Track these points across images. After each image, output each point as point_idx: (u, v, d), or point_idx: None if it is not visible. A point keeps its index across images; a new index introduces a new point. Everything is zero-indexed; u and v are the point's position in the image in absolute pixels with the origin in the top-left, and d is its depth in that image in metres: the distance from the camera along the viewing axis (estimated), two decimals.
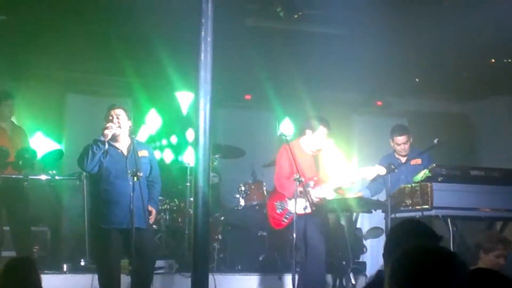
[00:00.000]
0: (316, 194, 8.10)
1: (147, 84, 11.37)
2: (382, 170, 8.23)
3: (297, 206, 7.98)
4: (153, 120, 11.69)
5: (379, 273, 3.91)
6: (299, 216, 7.97)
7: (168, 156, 11.79)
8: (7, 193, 8.85)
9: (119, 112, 7.39)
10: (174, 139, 11.99)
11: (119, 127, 7.28)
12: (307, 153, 8.35)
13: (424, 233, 3.82)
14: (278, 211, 8.32)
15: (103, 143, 7.20)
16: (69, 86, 11.60)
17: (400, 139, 9.23)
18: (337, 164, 8.66)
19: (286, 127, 11.74)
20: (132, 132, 7.57)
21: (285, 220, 8.25)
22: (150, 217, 7.45)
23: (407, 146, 9.20)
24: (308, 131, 8.30)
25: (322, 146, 8.37)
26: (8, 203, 8.97)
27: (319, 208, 8.19)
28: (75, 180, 9.25)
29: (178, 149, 11.93)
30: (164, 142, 11.92)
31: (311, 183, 8.21)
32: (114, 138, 7.33)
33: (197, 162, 5.89)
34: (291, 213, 8.12)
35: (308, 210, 8.04)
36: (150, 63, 10.69)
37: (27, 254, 8.32)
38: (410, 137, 9.25)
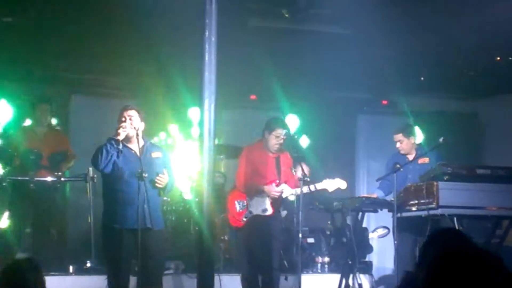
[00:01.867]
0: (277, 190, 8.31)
1: (152, 85, 11.35)
2: (343, 184, 8.35)
3: (258, 208, 8.27)
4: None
5: (408, 274, 3.91)
6: (260, 217, 8.26)
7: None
8: (24, 194, 8.92)
9: (132, 113, 7.38)
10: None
11: (133, 128, 7.28)
12: (269, 155, 8.44)
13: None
14: (238, 210, 8.39)
15: (117, 142, 7.20)
16: (74, 87, 11.61)
17: (394, 137, 9.20)
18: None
19: (291, 126, 11.71)
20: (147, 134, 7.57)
21: (244, 219, 8.33)
22: (162, 177, 7.36)
23: (402, 145, 9.12)
24: (265, 132, 8.41)
25: (280, 147, 8.43)
26: (35, 206, 9.03)
27: (278, 211, 8.44)
28: (81, 182, 9.26)
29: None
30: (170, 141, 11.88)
31: (273, 186, 8.36)
32: (127, 139, 7.33)
33: (202, 162, 5.90)
34: (250, 212, 8.31)
35: (268, 213, 8.28)
36: (155, 64, 10.68)
37: (45, 256, 8.41)
38: (408, 137, 9.12)
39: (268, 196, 8.31)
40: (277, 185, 8.36)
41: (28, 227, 9.30)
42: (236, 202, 8.41)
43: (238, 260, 8.60)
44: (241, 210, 8.36)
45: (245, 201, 8.38)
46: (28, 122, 9.68)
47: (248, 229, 8.29)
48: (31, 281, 4.55)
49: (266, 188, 8.30)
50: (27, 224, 9.26)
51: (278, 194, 8.31)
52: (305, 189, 8.20)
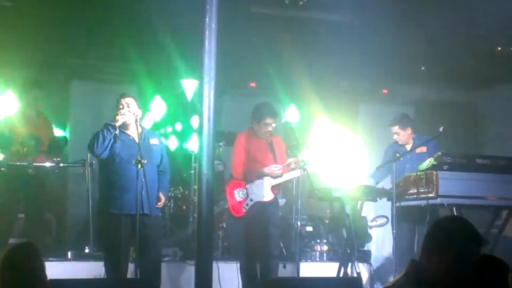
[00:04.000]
0: (275, 182, 8.33)
1: (152, 71, 11.33)
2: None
3: (259, 194, 8.29)
4: (157, 107, 11.66)
5: (413, 262, 3.91)
6: (261, 204, 8.28)
7: (172, 143, 11.77)
8: (21, 180, 8.87)
9: (129, 100, 7.41)
10: (178, 126, 11.97)
11: (131, 115, 7.29)
12: (261, 141, 8.46)
13: (471, 235, 3.82)
14: (238, 199, 8.39)
15: (114, 127, 7.21)
16: (74, 73, 11.59)
17: (391, 129, 9.20)
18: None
19: (291, 114, 11.68)
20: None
21: (245, 207, 8.33)
22: (159, 203, 7.46)
23: (399, 136, 9.13)
24: (253, 122, 8.45)
25: (271, 133, 8.47)
26: (24, 190, 8.98)
27: (277, 198, 8.48)
28: (79, 167, 9.24)
29: (182, 136, 11.91)
30: (169, 129, 11.89)
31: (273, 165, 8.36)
32: (125, 126, 7.35)
33: (201, 149, 5.88)
34: (251, 200, 8.32)
35: (269, 198, 8.32)
36: (155, 49, 10.66)
37: (38, 241, 8.34)
38: (404, 129, 9.11)
39: (268, 181, 8.31)
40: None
41: (21, 212, 9.23)
42: (235, 192, 8.41)
43: (237, 248, 8.59)
44: (241, 199, 8.35)
45: (244, 190, 8.38)
46: (17, 106, 9.55)
47: (249, 216, 8.29)
48: (31, 266, 4.54)
49: (266, 169, 8.30)
50: (19, 210, 9.19)
51: (280, 171, 8.30)
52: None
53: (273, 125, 8.39)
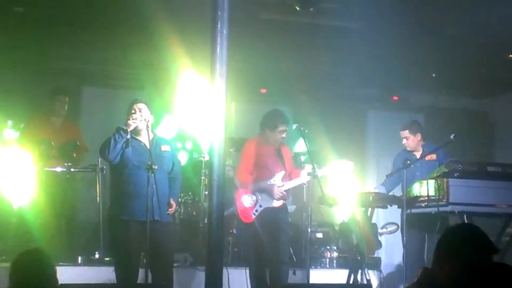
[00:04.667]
0: (284, 188, 8.33)
1: (162, 77, 11.35)
2: (350, 166, 8.35)
3: (268, 200, 8.31)
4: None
5: (425, 270, 3.90)
6: (270, 209, 8.30)
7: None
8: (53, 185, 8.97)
9: (142, 106, 7.39)
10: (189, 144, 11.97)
11: (143, 121, 7.28)
12: (270, 147, 8.49)
13: (483, 244, 3.81)
14: (247, 205, 8.38)
15: (126, 132, 7.20)
16: (85, 78, 11.63)
17: (401, 133, 9.18)
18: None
19: (301, 120, 11.68)
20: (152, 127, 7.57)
21: (255, 213, 8.33)
22: (170, 209, 7.45)
23: (408, 141, 9.10)
24: (266, 129, 8.46)
25: (281, 140, 8.53)
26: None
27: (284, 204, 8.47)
28: (90, 173, 9.27)
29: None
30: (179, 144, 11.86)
31: (279, 176, 8.39)
32: (137, 131, 7.33)
33: (212, 155, 5.88)
34: (260, 206, 8.32)
35: (278, 204, 8.32)
36: (166, 56, 10.67)
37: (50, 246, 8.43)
38: (414, 134, 9.09)
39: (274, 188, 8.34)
40: (284, 176, 8.39)
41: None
42: (244, 198, 8.41)
43: (247, 254, 8.57)
44: (251, 205, 8.36)
45: (253, 196, 8.38)
46: (41, 112, 9.69)
47: (259, 222, 8.28)
48: (42, 271, 4.56)
49: (268, 188, 8.33)
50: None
51: (281, 196, 8.34)
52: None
53: (286, 132, 8.41)
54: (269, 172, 8.40)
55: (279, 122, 8.38)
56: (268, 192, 8.34)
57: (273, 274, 8.29)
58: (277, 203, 8.37)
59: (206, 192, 8.81)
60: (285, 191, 8.38)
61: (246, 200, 8.39)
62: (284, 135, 8.44)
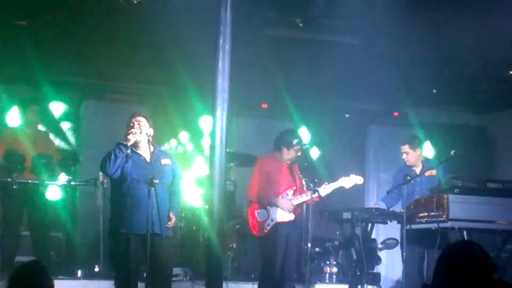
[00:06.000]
0: (296, 202, 8.38)
1: (163, 92, 11.39)
2: (359, 180, 8.55)
3: (280, 214, 8.35)
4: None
5: (426, 287, 3.93)
6: (282, 224, 8.33)
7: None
8: (26, 197, 8.90)
9: (141, 119, 7.40)
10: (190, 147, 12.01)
11: (142, 134, 7.29)
12: (282, 164, 8.56)
13: (483, 261, 3.83)
14: (260, 219, 8.40)
15: (126, 147, 7.21)
16: (86, 93, 11.64)
17: (401, 148, 9.20)
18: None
19: (303, 136, 11.72)
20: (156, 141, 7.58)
21: (267, 227, 8.35)
22: (170, 223, 7.45)
23: (408, 157, 9.12)
24: (284, 148, 8.52)
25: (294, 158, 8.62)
26: (27, 207, 9.03)
27: (297, 217, 8.49)
28: (90, 186, 9.27)
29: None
30: (180, 149, 11.91)
31: (290, 192, 8.43)
32: (136, 145, 7.33)
33: (213, 169, 5.90)
34: (272, 220, 8.35)
35: (291, 218, 8.37)
36: (168, 70, 10.72)
37: (44, 259, 8.34)
38: (414, 149, 9.12)
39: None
40: (295, 192, 8.45)
41: (27, 229, 9.29)
42: (256, 212, 8.43)
43: (263, 269, 8.54)
44: (263, 219, 8.38)
45: (265, 210, 8.40)
46: (16, 123, 9.59)
47: (272, 237, 8.32)
48: (40, 284, 4.56)
49: (279, 202, 8.38)
50: (23, 227, 9.25)
51: (292, 209, 8.38)
52: (324, 192, 8.32)
53: (299, 151, 8.53)
54: (281, 187, 8.46)
55: (296, 141, 8.47)
56: (280, 206, 8.37)
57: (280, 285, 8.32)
58: (288, 217, 8.39)
59: (206, 206, 8.82)
60: (296, 205, 8.43)
61: (258, 214, 8.42)
62: (299, 154, 8.52)
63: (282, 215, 8.37)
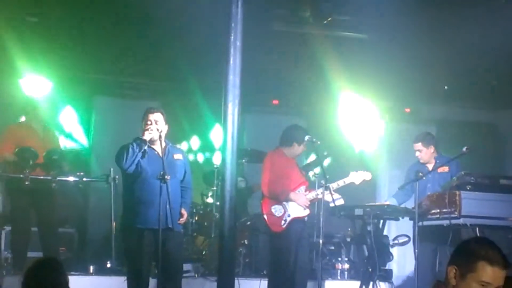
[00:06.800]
0: (309, 197, 8.43)
1: (174, 87, 11.39)
2: (368, 176, 8.69)
3: (296, 210, 8.41)
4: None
5: (438, 284, 3.91)
6: (297, 219, 8.38)
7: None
8: (36, 194, 8.93)
9: (157, 116, 7.41)
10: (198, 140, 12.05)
11: (158, 131, 7.30)
12: (291, 160, 8.64)
13: (495, 258, 3.81)
14: (276, 215, 8.43)
15: (145, 142, 7.23)
16: (97, 88, 11.65)
17: (414, 146, 9.19)
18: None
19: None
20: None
21: (284, 222, 8.39)
22: (181, 219, 7.46)
23: (422, 154, 9.11)
24: (295, 144, 8.57)
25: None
26: (36, 204, 9.05)
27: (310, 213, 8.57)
28: (102, 182, 9.28)
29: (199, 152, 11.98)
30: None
31: (303, 188, 8.52)
32: (151, 141, 7.36)
33: (225, 166, 5.88)
34: (289, 215, 8.40)
35: (306, 213, 8.43)
36: (178, 66, 10.71)
37: (53, 255, 8.35)
38: (428, 147, 9.10)
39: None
40: (307, 188, 8.51)
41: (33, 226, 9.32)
42: (272, 208, 8.46)
43: (276, 263, 8.55)
44: (280, 215, 8.41)
45: (280, 206, 8.43)
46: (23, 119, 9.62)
47: (288, 232, 8.38)
48: (55, 280, 4.57)
49: (295, 197, 8.43)
50: (32, 223, 9.27)
51: (307, 204, 8.43)
52: (335, 185, 8.40)
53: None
54: (294, 183, 8.51)
55: (308, 137, 8.51)
56: (295, 201, 8.42)
57: (294, 282, 8.35)
58: (304, 213, 8.45)
59: (218, 203, 8.81)
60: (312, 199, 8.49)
61: (275, 210, 8.44)
62: (304, 149, 8.67)
63: (298, 210, 8.42)
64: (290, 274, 8.31)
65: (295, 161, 8.67)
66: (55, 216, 9.24)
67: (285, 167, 8.51)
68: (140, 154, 7.24)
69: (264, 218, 8.52)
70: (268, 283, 8.51)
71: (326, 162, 9.33)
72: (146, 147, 7.24)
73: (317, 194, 8.39)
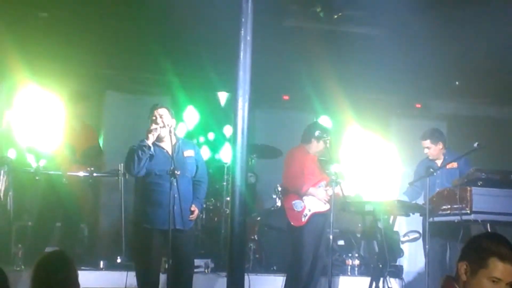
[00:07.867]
0: (330, 192, 8.55)
1: (185, 82, 11.38)
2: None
3: (316, 204, 8.59)
4: (190, 117, 11.74)
5: (448, 279, 3.89)
6: (318, 213, 8.55)
7: (205, 154, 11.80)
8: (63, 190, 8.97)
9: (162, 112, 7.40)
10: (211, 136, 12.04)
11: (163, 127, 7.28)
12: (312, 156, 8.81)
13: (506, 253, 3.81)
14: (297, 210, 8.59)
15: (148, 147, 7.20)
16: (108, 84, 11.65)
17: (422, 143, 9.18)
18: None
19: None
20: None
21: (304, 217, 8.55)
22: (192, 216, 7.44)
23: (430, 151, 9.10)
24: (314, 140, 8.75)
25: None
26: (63, 200, 9.07)
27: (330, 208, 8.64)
28: (113, 177, 9.30)
29: (215, 146, 11.97)
30: (202, 139, 11.94)
31: (323, 184, 8.70)
32: (159, 138, 7.35)
33: (235, 161, 5.87)
34: (309, 210, 8.57)
35: (327, 207, 8.55)
36: (189, 61, 10.71)
37: (69, 250, 8.38)
38: (436, 144, 9.09)
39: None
40: (327, 183, 8.62)
41: (59, 221, 9.35)
42: (293, 203, 8.62)
43: (296, 257, 8.59)
44: (300, 209, 8.56)
45: (301, 200, 8.57)
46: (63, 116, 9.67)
47: (309, 226, 8.55)
48: (65, 274, 4.57)
49: (316, 192, 8.64)
50: (58, 219, 9.31)
51: (328, 198, 8.55)
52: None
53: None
54: (315, 178, 8.69)
55: (326, 133, 8.74)
56: (315, 196, 8.59)
57: (310, 274, 8.52)
58: (324, 207, 8.58)
59: (228, 198, 8.81)
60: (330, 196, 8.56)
61: (295, 205, 8.58)
62: (327, 145, 8.75)
63: (319, 205, 8.58)
64: (307, 267, 8.45)
65: (317, 157, 8.79)
66: (79, 212, 9.29)
67: (305, 163, 8.68)
68: (146, 159, 7.22)
69: (286, 213, 8.64)
70: (287, 277, 8.57)
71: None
72: (151, 151, 7.22)
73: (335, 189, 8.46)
